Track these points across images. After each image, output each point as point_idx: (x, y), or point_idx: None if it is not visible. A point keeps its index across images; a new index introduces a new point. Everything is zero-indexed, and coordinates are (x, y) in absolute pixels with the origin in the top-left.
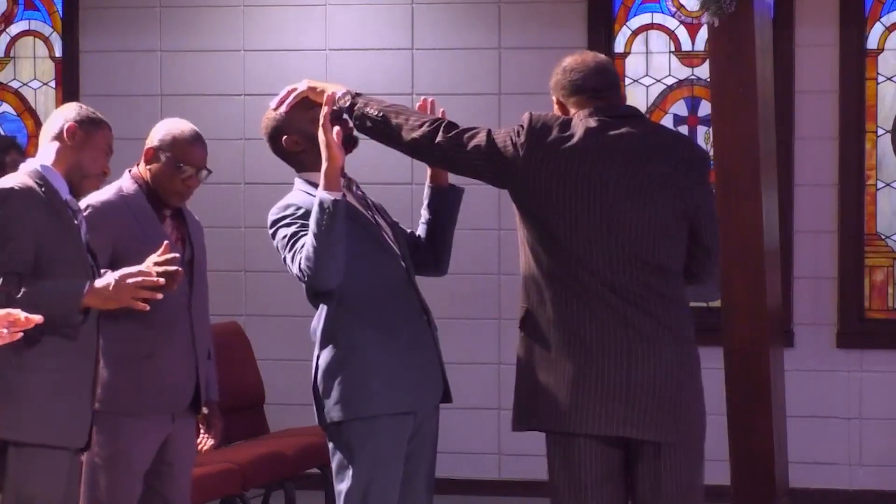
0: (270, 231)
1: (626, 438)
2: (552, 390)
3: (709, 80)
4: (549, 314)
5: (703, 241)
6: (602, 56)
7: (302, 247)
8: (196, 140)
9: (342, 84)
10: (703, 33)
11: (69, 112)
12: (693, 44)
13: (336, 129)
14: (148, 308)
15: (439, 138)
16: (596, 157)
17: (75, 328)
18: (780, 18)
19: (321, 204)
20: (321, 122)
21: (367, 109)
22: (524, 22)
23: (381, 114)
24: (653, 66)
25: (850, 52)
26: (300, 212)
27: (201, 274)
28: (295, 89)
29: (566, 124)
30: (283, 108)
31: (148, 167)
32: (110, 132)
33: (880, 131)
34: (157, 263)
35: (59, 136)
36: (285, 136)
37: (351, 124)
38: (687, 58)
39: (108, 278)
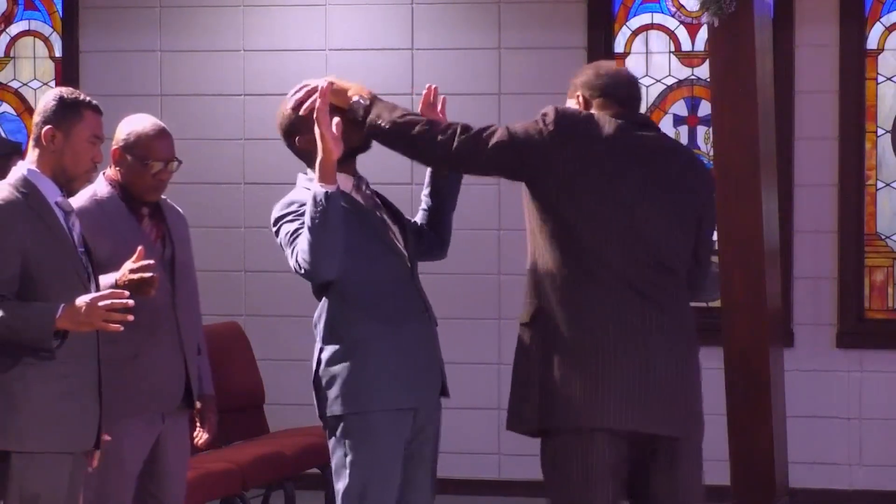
0: (273, 228)
1: (638, 435)
2: (571, 387)
3: (709, 80)
4: (566, 311)
5: (698, 253)
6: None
7: None
8: (159, 134)
9: (362, 85)
10: (703, 33)
11: (48, 107)
12: (693, 44)
13: (336, 120)
14: (122, 329)
15: (456, 143)
16: (622, 153)
17: (50, 352)
18: (780, 18)
19: (314, 197)
20: (315, 115)
21: (380, 122)
22: (524, 22)
23: (395, 127)
24: (653, 66)
25: (850, 52)
26: (303, 209)
27: (185, 270)
28: (315, 88)
29: (591, 118)
30: (302, 111)
31: (117, 168)
32: (95, 117)
33: (880, 131)
34: (132, 270)
35: (38, 141)
36: (299, 136)
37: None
38: (687, 58)
39: (80, 300)
